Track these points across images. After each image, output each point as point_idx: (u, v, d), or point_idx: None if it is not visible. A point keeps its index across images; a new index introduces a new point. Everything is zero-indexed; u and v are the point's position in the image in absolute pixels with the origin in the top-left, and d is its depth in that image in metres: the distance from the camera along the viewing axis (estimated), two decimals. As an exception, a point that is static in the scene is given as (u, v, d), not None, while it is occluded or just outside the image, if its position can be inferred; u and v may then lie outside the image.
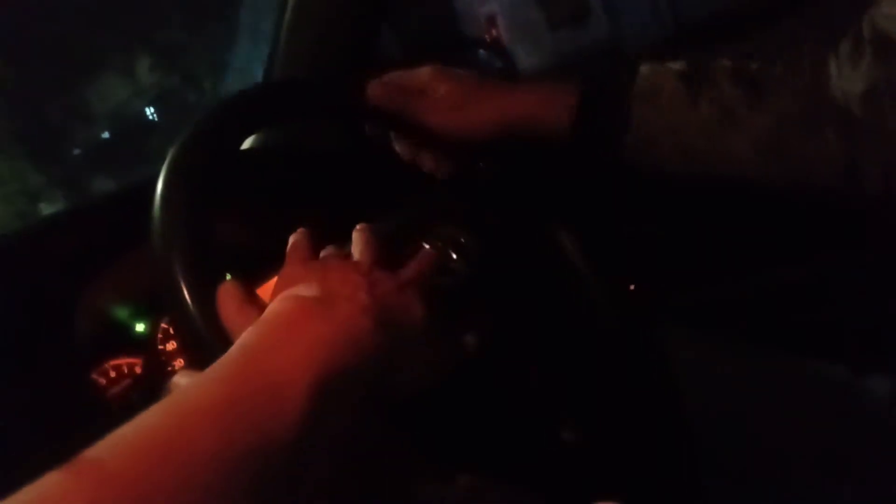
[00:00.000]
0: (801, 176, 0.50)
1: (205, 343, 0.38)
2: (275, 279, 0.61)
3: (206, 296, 0.38)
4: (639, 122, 0.52)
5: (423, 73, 0.58)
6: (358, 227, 0.46)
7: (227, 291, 0.39)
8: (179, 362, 0.54)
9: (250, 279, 0.58)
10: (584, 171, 0.60)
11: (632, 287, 0.74)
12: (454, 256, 0.49)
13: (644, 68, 0.54)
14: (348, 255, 0.45)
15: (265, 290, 0.60)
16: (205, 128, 0.44)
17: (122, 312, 0.54)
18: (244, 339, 0.34)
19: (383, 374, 0.36)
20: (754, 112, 0.50)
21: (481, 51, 0.96)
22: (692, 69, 0.53)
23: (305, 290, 0.37)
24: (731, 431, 0.58)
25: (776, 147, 0.50)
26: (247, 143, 0.73)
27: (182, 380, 0.38)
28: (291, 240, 0.47)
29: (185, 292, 0.38)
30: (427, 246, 0.48)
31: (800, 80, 0.50)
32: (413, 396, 0.39)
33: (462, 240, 0.49)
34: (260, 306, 0.39)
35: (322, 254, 0.47)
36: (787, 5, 0.88)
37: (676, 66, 0.53)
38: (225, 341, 0.37)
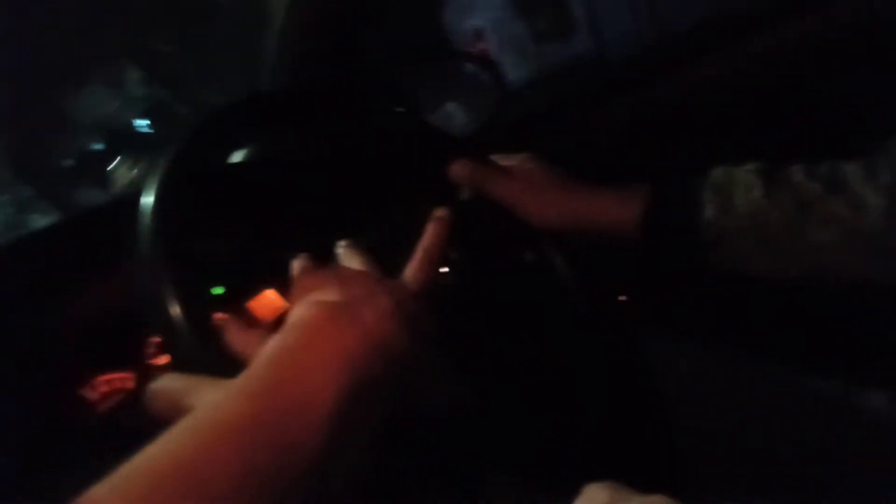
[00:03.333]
0: (893, 269, 0.50)
1: (196, 358, 0.37)
2: (265, 292, 0.61)
3: (196, 311, 0.38)
4: (716, 215, 0.53)
5: (519, 156, 0.61)
6: (341, 244, 0.46)
7: (230, 322, 0.40)
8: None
9: (240, 292, 0.59)
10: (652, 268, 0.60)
11: (622, 298, 0.75)
12: (445, 271, 0.49)
13: (716, 169, 0.55)
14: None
15: (255, 304, 0.61)
16: (193, 141, 0.44)
17: (111, 325, 0.53)
18: (269, 350, 0.34)
19: (407, 382, 0.35)
20: (834, 205, 0.50)
21: (468, 63, 0.97)
22: (764, 166, 0.54)
23: (327, 294, 0.37)
24: (722, 447, 0.58)
25: (862, 238, 0.50)
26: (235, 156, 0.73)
27: (163, 384, 0.37)
28: (295, 263, 0.46)
29: (175, 310, 0.37)
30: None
31: (881, 179, 0.50)
32: (422, 412, 0.39)
33: (453, 255, 0.49)
34: (262, 328, 0.39)
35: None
36: (768, 14, 0.89)
37: (748, 165, 0.55)
38: (215, 352, 0.37)
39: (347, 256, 0.46)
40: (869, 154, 0.52)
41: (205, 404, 0.30)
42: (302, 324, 0.35)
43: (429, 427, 0.41)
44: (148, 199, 0.41)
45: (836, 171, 0.52)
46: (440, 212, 0.47)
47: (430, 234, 0.46)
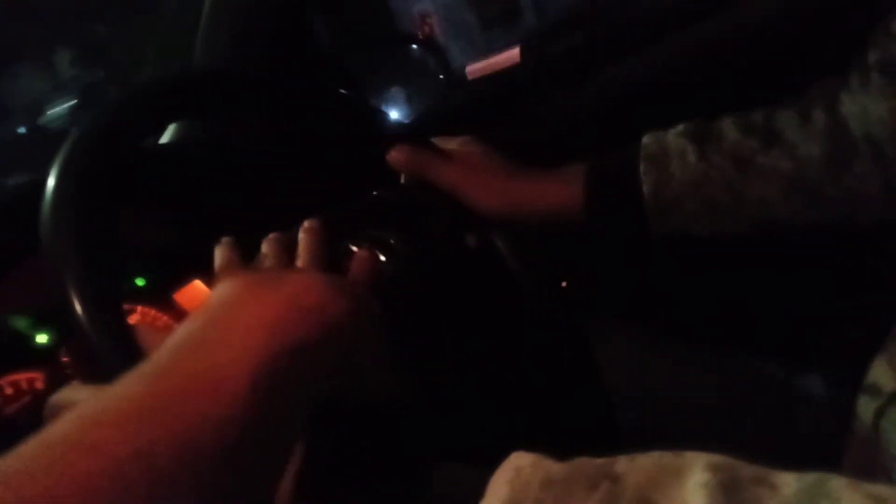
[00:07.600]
0: (837, 213, 0.51)
1: (103, 355, 0.34)
2: (195, 282, 0.58)
3: (102, 308, 0.35)
4: (655, 187, 0.53)
5: (459, 139, 0.59)
6: (306, 224, 0.44)
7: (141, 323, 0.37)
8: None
9: (165, 283, 0.55)
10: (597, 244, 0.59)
11: (564, 284, 0.74)
12: (383, 258, 0.47)
13: (646, 137, 0.55)
14: (292, 239, 0.43)
15: (183, 295, 0.57)
16: (102, 121, 0.41)
17: (20, 322, 0.49)
18: (178, 331, 0.30)
19: (343, 352, 0.32)
20: (773, 159, 0.51)
21: (414, 46, 0.95)
22: (693, 126, 0.54)
23: (248, 272, 0.35)
24: (661, 429, 0.58)
25: (804, 188, 0.50)
26: (164, 137, 0.69)
27: (65, 395, 0.34)
28: (217, 252, 0.42)
29: (78, 306, 0.34)
30: (355, 248, 0.46)
31: (816, 124, 0.50)
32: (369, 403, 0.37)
33: (391, 241, 0.48)
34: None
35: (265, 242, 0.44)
36: (710, 9, 0.90)
37: (678, 127, 0.54)
38: (126, 353, 0.34)
39: (302, 242, 0.42)
40: (803, 96, 0.52)
41: (94, 394, 0.26)
42: (217, 300, 0.32)
43: (378, 416, 0.39)
44: (48, 186, 0.37)
45: (771, 121, 0.52)
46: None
47: (357, 262, 0.43)
